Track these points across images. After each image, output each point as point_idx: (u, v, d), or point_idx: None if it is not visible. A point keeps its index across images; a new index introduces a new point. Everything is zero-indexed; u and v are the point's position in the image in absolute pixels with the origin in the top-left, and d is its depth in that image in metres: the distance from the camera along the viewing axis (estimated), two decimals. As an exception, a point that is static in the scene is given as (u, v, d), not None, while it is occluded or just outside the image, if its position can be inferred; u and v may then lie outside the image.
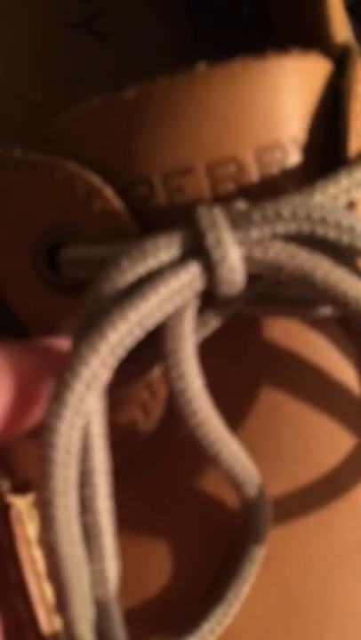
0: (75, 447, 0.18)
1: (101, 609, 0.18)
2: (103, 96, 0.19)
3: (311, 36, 0.22)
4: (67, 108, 0.20)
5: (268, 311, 0.20)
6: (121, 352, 0.18)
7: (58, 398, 0.17)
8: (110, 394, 0.19)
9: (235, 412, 0.20)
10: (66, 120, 0.20)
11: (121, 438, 0.20)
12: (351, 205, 0.20)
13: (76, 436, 0.17)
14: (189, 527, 0.21)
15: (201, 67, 0.19)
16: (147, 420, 0.20)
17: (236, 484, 0.19)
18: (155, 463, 0.21)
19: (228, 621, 0.20)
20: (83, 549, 0.18)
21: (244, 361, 0.20)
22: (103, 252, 0.19)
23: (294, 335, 0.20)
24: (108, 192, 0.20)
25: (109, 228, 0.20)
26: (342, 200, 0.19)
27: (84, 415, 0.18)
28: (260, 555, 0.20)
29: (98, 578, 0.18)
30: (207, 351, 0.20)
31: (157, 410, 0.20)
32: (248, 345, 0.20)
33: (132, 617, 0.19)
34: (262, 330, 0.20)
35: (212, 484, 0.20)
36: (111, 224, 0.20)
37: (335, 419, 0.21)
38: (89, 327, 0.18)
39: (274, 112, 0.19)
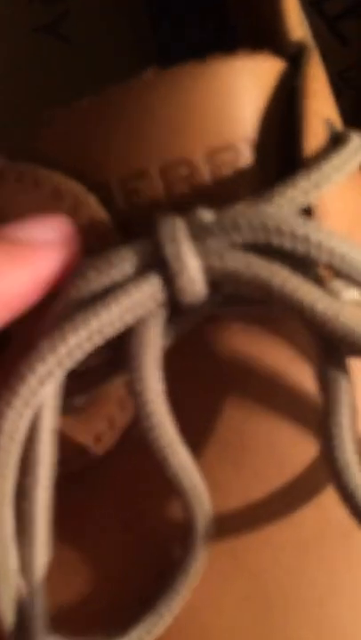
0: (19, 436, 0.19)
1: (25, 594, 0.19)
2: (58, 108, 0.20)
3: (268, 34, 0.22)
4: (34, 111, 0.20)
5: (235, 311, 0.20)
6: (79, 355, 0.19)
7: (11, 387, 0.19)
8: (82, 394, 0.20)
9: (200, 407, 0.21)
10: (41, 130, 0.20)
11: (84, 447, 0.21)
12: (308, 211, 0.20)
13: (22, 425, 0.19)
14: (126, 536, 0.21)
15: (149, 73, 0.20)
16: (111, 434, 0.21)
17: (179, 491, 0.20)
18: (108, 473, 0.21)
19: (158, 631, 0.20)
20: (12, 534, 0.19)
21: (207, 359, 0.21)
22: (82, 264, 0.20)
23: (255, 334, 0.21)
24: (92, 200, 0.20)
25: (94, 236, 0.20)
26: (302, 203, 0.19)
27: (33, 408, 0.19)
28: (195, 568, 0.20)
29: (25, 564, 0.19)
30: (172, 354, 0.20)
31: (123, 424, 0.21)
32: (210, 345, 0.21)
33: (61, 617, 0.20)
34: (224, 329, 0.21)
35: (161, 500, 0.21)
36: (96, 232, 0.20)
37: (295, 412, 0.21)
38: (53, 329, 0.19)
39: (223, 114, 0.20)
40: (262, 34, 0.22)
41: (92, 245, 0.20)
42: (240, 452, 0.21)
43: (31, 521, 0.19)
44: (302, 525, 0.21)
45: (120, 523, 0.21)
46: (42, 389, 0.19)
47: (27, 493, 0.19)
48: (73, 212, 0.20)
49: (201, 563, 0.20)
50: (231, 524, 0.21)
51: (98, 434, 0.21)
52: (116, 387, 0.21)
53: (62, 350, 0.18)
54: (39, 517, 0.19)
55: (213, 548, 0.21)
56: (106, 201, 0.20)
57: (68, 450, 0.21)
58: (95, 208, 0.20)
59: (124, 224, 0.20)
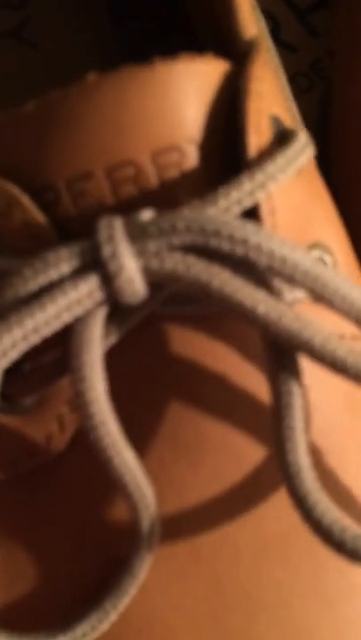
0: None
1: None
2: (4, 112, 0.20)
3: (222, 33, 0.22)
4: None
5: (178, 310, 0.20)
6: (14, 355, 0.19)
7: None
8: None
9: (154, 405, 0.21)
10: None
11: (34, 447, 0.21)
12: (253, 213, 0.20)
13: None
14: (75, 537, 0.21)
15: (91, 76, 0.20)
16: (61, 435, 0.21)
17: (125, 493, 0.20)
18: (58, 474, 0.21)
19: (103, 627, 0.20)
20: None
21: (161, 360, 0.21)
22: (18, 262, 0.19)
23: (207, 333, 0.21)
24: (26, 201, 0.20)
25: (29, 235, 0.20)
26: (247, 204, 0.19)
27: None
28: (140, 567, 0.20)
29: None
30: (119, 352, 0.20)
31: (73, 425, 0.21)
32: (164, 345, 0.21)
33: (6, 616, 0.20)
34: (176, 329, 0.21)
35: (110, 501, 0.21)
36: (31, 232, 0.20)
37: (251, 411, 0.21)
38: None
39: (166, 115, 0.20)
40: (219, 34, 0.22)
41: (26, 246, 0.20)
42: (197, 452, 0.21)
43: None
44: (263, 525, 0.21)
45: (69, 523, 0.22)
46: None
47: None
48: (6, 211, 0.20)
49: (146, 562, 0.20)
50: (190, 524, 0.21)
51: (48, 435, 0.21)
52: (65, 387, 0.21)
53: None
54: None
55: (172, 548, 0.21)
56: (53, 203, 0.20)
57: (18, 451, 0.21)
58: (29, 208, 0.20)
59: (72, 226, 0.20)
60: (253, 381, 0.21)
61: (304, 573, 0.21)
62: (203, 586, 0.21)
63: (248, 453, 0.21)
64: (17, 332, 0.18)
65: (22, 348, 0.19)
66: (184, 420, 0.21)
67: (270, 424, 0.20)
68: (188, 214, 0.19)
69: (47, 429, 0.21)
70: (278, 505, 0.21)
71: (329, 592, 0.21)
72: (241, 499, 0.21)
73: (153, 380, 0.21)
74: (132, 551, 0.20)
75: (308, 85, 0.32)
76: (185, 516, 0.21)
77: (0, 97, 0.29)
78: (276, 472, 0.20)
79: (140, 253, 0.19)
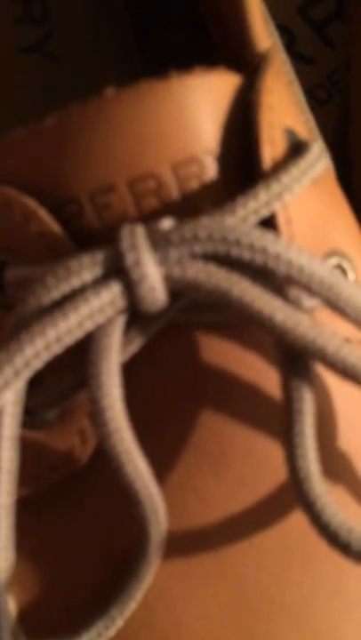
0: None
1: None
2: (26, 125, 0.20)
3: (237, 47, 0.23)
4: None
5: (197, 319, 0.21)
6: (37, 365, 0.19)
7: None
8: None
9: (178, 413, 0.21)
10: None
11: (56, 461, 0.21)
12: (270, 222, 0.20)
13: None
14: (95, 549, 0.22)
15: (109, 91, 0.20)
16: (83, 448, 0.21)
17: (134, 500, 0.20)
18: (78, 488, 0.22)
19: (109, 634, 0.21)
20: None
21: (182, 368, 0.21)
22: (39, 271, 0.20)
23: (228, 342, 0.21)
24: (43, 213, 0.20)
25: (46, 247, 0.20)
26: (263, 214, 0.20)
27: None
28: (147, 574, 0.20)
29: None
30: (141, 361, 0.20)
31: (94, 440, 0.21)
32: (185, 354, 0.21)
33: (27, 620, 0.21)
34: (198, 337, 0.21)
35: (128, 514, 0.21)
36: (48, 244, 0.20)
37: (272, 418, 0.21)
38: (10, 339, 0.19)
39: (183, 128, 0.20)
40: (232, 47, 0.23)
41: (42, 258, 0.20)
42: (220, 460, 0.21)
43: None
44: (286, 530, 0.21)
45: (91, 536, 0.22)
46: (0, 398, 0.19)
47: None
48: (23, 223, 0.20)
49: (153, 568, 0.20)
50: (214, 532, 0.21)
51: (70, 448, 0.21)
52: (87, 400, 0.21)
53: (19, 361, 0.19)
54: (1, 522, 0.19)
55: (197, 557, 0.21)
56: (75, 215, 0.20)
57: (40, 465, 0.21)
58: (46, 221, 0.20)
59: (95, 238, 0.20)
60: (275, 388, 0.21)
61: (326, 577, 0.21)
62: (227, 592, 0.21)
63: (271, 460, 0.21)
64: (39, 342, 0.19)
65: (45, 358, 0.19)
66: (208, 429, 0.21)
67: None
68: (209, 223, 0.19)
69: (69, 443, 0.21)
70: (300, 510, 0.21)
71: (351, 596, 0.21)
72: (265, 505, 0.21)
73: (177, 389, 0.21)
74: (139, 557, 0.20)
75: (326, 97, 0.33)
76: (209, 525, 0.21)
77: (23, 111, 0.30)
78: None
79: (162, 261, 0.19)
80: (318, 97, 0.32)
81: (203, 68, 0.20)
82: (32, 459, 0.21)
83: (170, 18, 0.29)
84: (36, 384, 0.20)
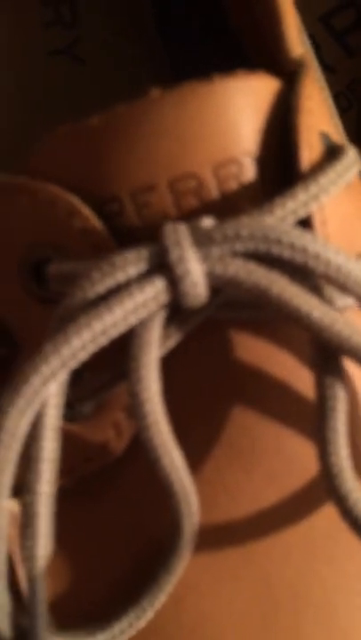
0: (21, 432, 0.19)
1: (28, 584, 0.20)
2: (71, 124, 0.21)
3: (270, 52, 0.23)
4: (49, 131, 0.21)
5: (234, 316, 0.21)
6: (83, 357, 0.19)
7: (14, 387, 0.19)
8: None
9: (210, 409, 0.21)
10: (41, 146, 0.21)
11: (92, 454, 0.22)
12: (306, 223, 0.21)
13: (24, 423, 0.19)
14: (130, 541, 0.22)
15: (154, 92, 0.21)
16: (118, 441, 0.22)
17: (168, 493, 0.20)
18: (114, 480, 0.22)
19: (140, 624, 0.21)
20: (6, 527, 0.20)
21: (216, 364, 0.21)
22: (83, 266, 0.20)
23: (263, 339, 0.22)
24: (86, 211, 0.21)
25: (88, 243, 0.21)
26: (301, 214, 0.20)
27: (36, 406, 0.19)
28: (178, 567, 0.21)
29: (28, 554, 0.20)
30: (177, 356, 0.21)
31: (129, 433, 0.22)
32: (219, 350, 0.21)
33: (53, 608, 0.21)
34: (233, 335, 0.21)
35: (163, 507, 0.21)
36: (90, 240, 0.21)
37: (303, 415, 0.21)
38: (57, 331, 0.19)
39: (225, 130, 0.21)
40: (267, 52, 0.23)
41: (85, 254, 0.21)
42: (250, 456, 0.21)
43: (34, 514, 0.20)
44: (312, 526, 0.22)
45: (126, 528, 0.22)
46: (45, 389, 0.19)
47: (30, 488, 0.20)
48: (67, 219, 0.21)
49: (184, 560, 0.21)
50: (243, 527, 0.22)
51: (105, 441, 0.22)
52: (122, 393, 0.21)
53: (65, 352, 0.19)
54: (42, 511, 0.20)
55: (225, 551, 0.22)
56: (117, 213, 0.21)
57: (76, 458, 0.22)
58: (90, 218, 0.21)
59: (135, 235, 0.21)
60: (306, 386, 0.21)
61: (349, 573, 0.22)
62: (253, 586, 0.22)
63: (300, 457, 0.22)
64: (86, 335, 0.19)
65: (90, 350, 0.19)
66: (239, 424, 0.21)
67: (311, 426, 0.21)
68: (250, 222, 0.19)
69: (104, 435, 0.21)
70: (327, 507, 0.22)
71: None
72: (292, 501, 0.22)
73: (210, 384, 0.21)
74: (171, 549, 0.21)
75: (347, 105, 0.33)
76: (238, 520, 0.22)
77: (51, 113, 0.30)
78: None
79: (205, 258, 0.19)
80: (341, 104, 0.33)
81: (244, 71, 0.21)
82: (68, 450, 0.21)
83: (196, 23, 0.30)
84: (73, 376, 0.21)
